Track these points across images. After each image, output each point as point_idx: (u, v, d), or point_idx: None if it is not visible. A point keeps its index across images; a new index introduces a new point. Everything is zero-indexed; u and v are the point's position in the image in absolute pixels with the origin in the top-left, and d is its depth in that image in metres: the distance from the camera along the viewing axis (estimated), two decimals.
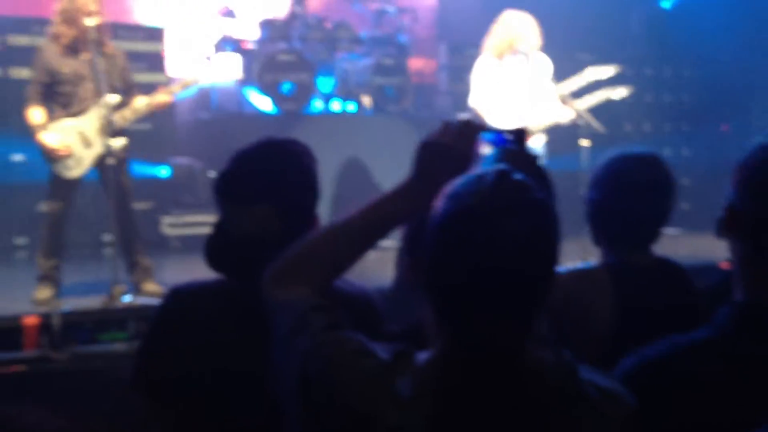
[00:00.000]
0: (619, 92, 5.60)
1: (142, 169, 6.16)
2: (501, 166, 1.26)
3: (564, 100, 5.40)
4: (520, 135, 1.50)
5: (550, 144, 5.64)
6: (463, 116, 5.90)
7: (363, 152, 7.02)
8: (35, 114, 4.59)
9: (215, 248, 1.85)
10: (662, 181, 2.16)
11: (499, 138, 1.52)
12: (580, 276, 2.10)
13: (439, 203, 1.24)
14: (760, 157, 1.46)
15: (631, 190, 2.11)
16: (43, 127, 4.56)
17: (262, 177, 1.82)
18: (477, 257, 1.17)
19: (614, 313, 2.01)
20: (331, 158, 6.74)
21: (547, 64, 5.46)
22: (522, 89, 5.40)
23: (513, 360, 1.22)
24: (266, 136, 1.92)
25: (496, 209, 1.18)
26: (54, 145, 4.54)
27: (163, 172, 6.74)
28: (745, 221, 1.43)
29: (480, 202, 1.19)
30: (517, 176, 1.23)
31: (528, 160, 1.46)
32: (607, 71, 5.63)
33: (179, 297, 1.86)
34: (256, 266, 1.76)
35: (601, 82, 5.67)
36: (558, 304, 2.00)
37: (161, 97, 4.78)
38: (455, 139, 1.45)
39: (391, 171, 6.93)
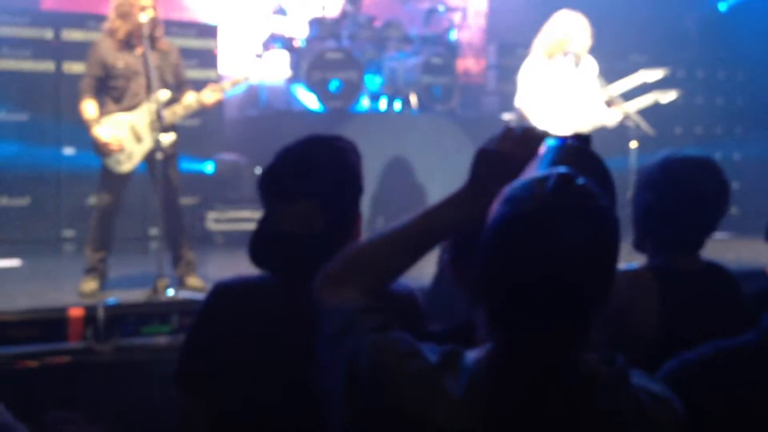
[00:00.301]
0: (669, 96, 5.54)
1: (188, 165, 6.23)
2: (563, 169, 1.22)
3: (613, 102, 5.34)
4: (586, 141, 1.44)
5: (597, 145, 5.51)
6: (508, 116, 5.87)
7: (408, 151, 7.01)
8: (89, 107, 4.66)
9: (259, 245, 1.85)
10: (718, 187, 2.12)
11: (563, 145, 1.45)
12: (626, 278, 2.06)
13: (496, 206, 1.22)
14: None
15: (687, 194, 2.07)
16: (97, 120, 4.64)
17: (306, 174, 1.81)
18: (534, 264, 1.15)
19: (660, 317, 1.98)
20: (376, 156, 6.74)
21: (594, 66, 5.41)
22: (570, 91, 5.35)
23: (566, 366, 1.20)
24: (311, 133, 1.92)
25: (557, 216, 1.15)
26: (107, 139, 4.61)
27: (209, 167, 6.81)
28: None
29: (540, 207, 1.16)
30: (581, 181, 1.20)
31: (593, 162, 1.40)
32: (657, 74, 5.58)
33: (223, 292, 1.86)
34: (299, 263, 1.77)
35: (651, 85, 5.60)
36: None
37: (212, 95, 4.82)
38: (516, 147, 1.38)
39: (436, 171, 6.93)
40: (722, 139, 8.30)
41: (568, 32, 5.25)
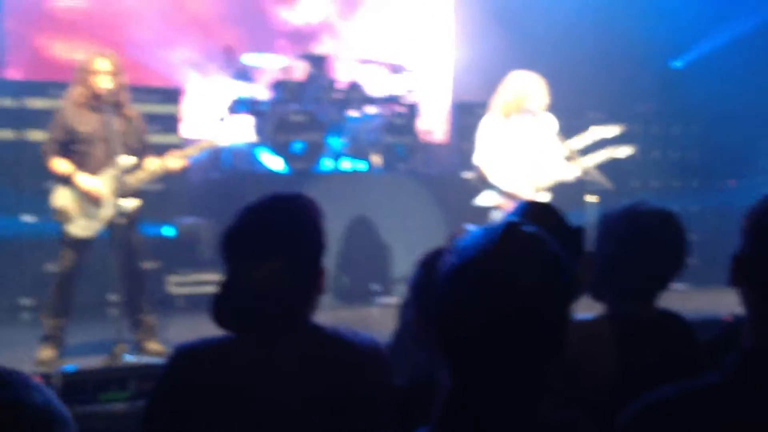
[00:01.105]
0: (624, 151, 5.70)
1: (150, 229, 6.21)
2: (512, 218, 1.27)
3: (571, 158, 5.45)
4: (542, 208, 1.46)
5: (557, 200, 5.66)
6: (468, 175, 5.95)
7: (372, 210, 7.05)
8: (60, 164, 4.66)
9: (223, 305, 1.84)
10: (677, 239, 2.18)
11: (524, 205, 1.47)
12: (582, 327, 2.09)
13: (448, 257, 1.24)
14: (763, 207, 1.48)
15: (647, 245, 2.12)
16: (74, 172, 4.62)
17: (270, 232, 1.82)
18: (484, 309, 1.17)
19: (618, 365, 2.00)
20: (341, 216, 6.78)
21: (553, 123, 5.52)
22: (528, 148, 5.45)
23: (523, 415, 1.20)
24: (273, 192, 1.93)
25: (505, 262, 1.18)
26: (89, 187, 4.59)
27: (169, 231, 6.79)
28: (753, 269, 1.44)
29: (488, 254, 1.19)
30: (529, 229, 1.23)
31: (550, 213, 1.44)
32: (613, 130, 5.73)
33: (185, 355, 1.83)
34: (265, 322, 1.77)
35: (607, 141, 5.74)
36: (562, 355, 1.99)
37: (177, 161, 4.85)
38: None
39: (400, 229, 6.97)
40: (679, 192, 8.46)
41: (525, 91, 5.36)
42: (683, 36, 8.81)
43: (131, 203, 4.62)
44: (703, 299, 5.79)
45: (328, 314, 6.14)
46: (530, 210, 1.37)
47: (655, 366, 1.97)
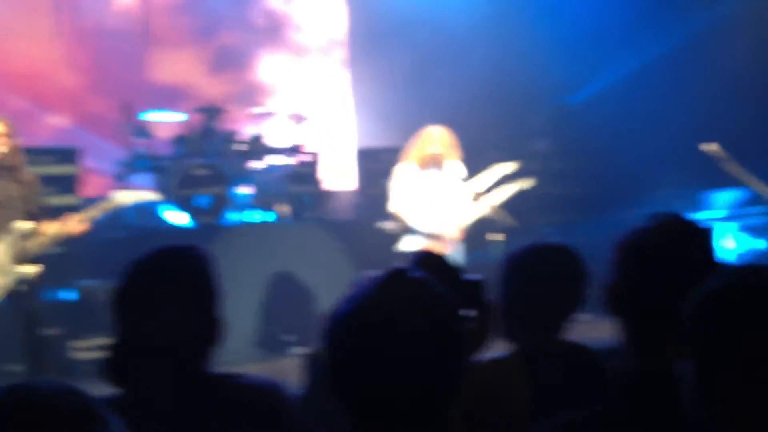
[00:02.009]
0: (525, 183, 6.02)
1: (52, 294, 6.00)
2: (400, 266, 1.27)
3: (478, 198, 5.76)
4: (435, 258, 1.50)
5: (466, 239, 5.92)
6: (383, 224, 6.05)
7: (284, 260, 7.00)
8: None
9: (114, 363, 1.79)
10: (577, 272, 2.24)
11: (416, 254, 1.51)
12: (493, 365, 2.13)
13: (336, 306, 1.25)
14: (631, 239, 1.56)
15: (544, 280, 2.18)
16: None
17: (160, 286, 1.80)
18: (369, 355, 1.17)
19: (528, 400, 2.04)
20: (253, 267, 6.71)
21: (461, 170, 5.82)
22: (441, 193, 5.73)
23: None
24: (161, 245, 1.90)
25: (390, 307, 1.18)
26: None
27: (71, 295, 6.58)
28: (622, 298, 1.51)
29: (373, 301, 1.19)
30: (415, 274, 1.24)
31: (442, 262, 1.47)
32: (511, 166, 6.06)
33: None
34: (158, 376, 1.74)
35: (508, 177, 6.00)
36: (473, 393, 2.02)
37: (77, 225, 4.72)
38: None
39: (313, 277, 6.93)
40: (581, 225, 8.72)
41: (437, 146, 5.70)
42: (578, 73, 9.16)
43: (31, 270, 4.46)
44: (607, 328, 5.94)
45: (244, 366, 6.03)
46: (423, 259, 1.41)
47: (564, 397, 2.01)
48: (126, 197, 5.25)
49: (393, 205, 5.74)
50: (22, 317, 4.46)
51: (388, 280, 1.22)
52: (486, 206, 5.75)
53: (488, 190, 5.87)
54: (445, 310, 1.23)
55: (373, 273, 1.27)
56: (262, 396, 1.82)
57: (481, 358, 2.09)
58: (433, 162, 5.71)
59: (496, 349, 2.19)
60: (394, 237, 5.77)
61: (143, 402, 1.75)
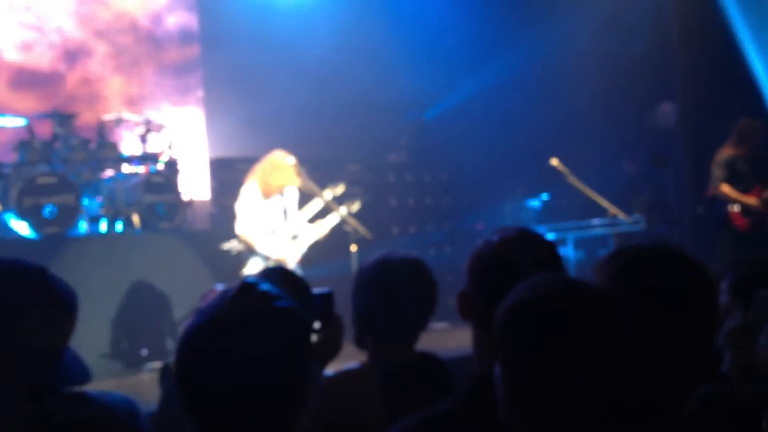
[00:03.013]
0: (354, 206, 6.34)
1: None
2: (250, 279, 1.30)
3: (311, 223, 6.13)
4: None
5: (323, 252, 6.20)
6: (228, 245, 6.12)
7: (138, 271, 6.81)
8: None
9: None
10: (425, 283, 2.31)
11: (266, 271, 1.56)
12: (346, 376, 2.18)
13: (189, 319, 1.27)
14: (480, 250, 1.67)
15: (397, 293, 2.23)
16: None
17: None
18: (219, 366, 1.19)
19: (381, 410, 2.10)
20: (105, 279, 6.50)
21: (295, 195, 6.15)
22: (281, 221, 6.02)
23: None
24: None
25: (237, 319, 1.21)
26: None
27: None
28: (472, 304, 1.61)
29: (221, 313, 1.22)
30: (263, 287, 1.28)
31: (292, 277, 1.52)
32: (340, 189, 6.36)
33: None
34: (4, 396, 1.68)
35: (339, 198, 6.33)
36: (327, 405, 2.06)
37: None
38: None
39: (168, 288, 6.78)
40: (434, 235, 8.99)
41: (283, 177, 5.94)
42: (433, 90, 9.43)
43: None
44: (463, 336, 6.14)
45: (100, 382, 5.82)
46: (273, 273, 1.46)
47: (415, 407, 2.08)
48: None
49: (239, 228, 5.90)
50: None
51: (237, 294, 1.25)
52: (319, 230, 6.09)
53: (320, 214, 6.23)
54: (293, 322, 1.27)
55: (224, 286, 1.30)
56: (113, 415, 1.80)
57: (332, 371, 2.14)
58: (276, 190, 5.97)
59: (349, 360, 2.25)
60: (241, 258, 5.97)
61: None
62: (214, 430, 1.22)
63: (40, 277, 1.81)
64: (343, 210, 6.24)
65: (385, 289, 2.24)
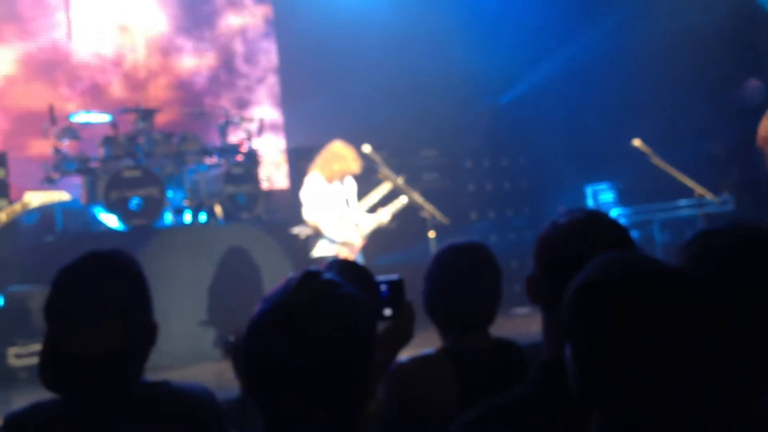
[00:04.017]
0: (402, 200, 6.46)
1: None
2: (311, 268, 1.31)
3: (370, 211, 6.43)
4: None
5: (402, 236, 6.27)
6: (297, 230, 6.29)
7: (220, 260, 6.97)
8: None
9: (49, 369, 1.79)
10: (484, 268, 2.29)
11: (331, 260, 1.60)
12: (421, 362, 2.18)
13: (256, 307, 1.28)
14: (547, 234, 1.63)
15: (455, 279, 2.23)
16: None
17: (94, 292, 1.79)
18: (284, 353, 1.20)
19: (456, 396, 2.09)
20: (189, 269, 6.67)
21: (354, 185, 6.45)
22: (344, 208, 6.32)
23: None
24: (89, 251, 1.89)
25: (301, 307, 1.22)
26: None
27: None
28: (541, 289, 1.58)
29: (286, 302, 1.23)
30: (326, 276, 1.28)
31: (357, 267, 1.54)
32: (400, 180, 6.54)
33: (15, 422, 1.77)
34: (93, 381, 1.74)
35: (397, 191, 6.50)
36: (400, 391, 2.07)
37: None
38: None
39: (250, 277, 6.92)
40: (514, 220, 8.89)
41: (344, 164, 6.26)
42: (508, 72, 9.31)
43: None
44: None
45: (186, 369, 5.99)
46: (336, 264, 1.47)
47: (490, 394, 2.07)
48: (34, 199, 5.15)
49: (306, 214, 6.22)
50: None
51: (300, 282, 1.26)
52: (379, 219, 6.35)
53: (379, 204, 6.50)
54: (355, 309, 1.27)
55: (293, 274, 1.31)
56: (191, 403, 1.84)
57: (406, 358, 2.14)
58: (338, 177, 6.30)
59: (421, 348, 2.25)
60: (309, 242, 6.26)
61: (77, 407, 1.76)
62: (277, 416, 1.24)
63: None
64: (400, 201, 6.44)
65: (444, 277, 2.24)
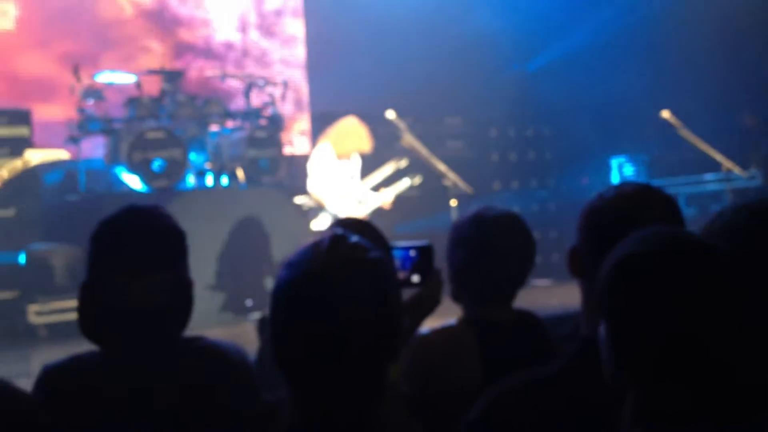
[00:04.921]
0: (416, 179, 6.54)
1: (0, 257, 5.91)
2: (337, 231, 1.29)
3: (376, 189, 6.46)
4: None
5: (423, 205, 6.32)
6: (300, 200, 6.35)
7: (242, 225, 6.98)
8: None
9: (95, 319, 1.78)
10: (523, 240, 2.24)
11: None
12: (443, 333, 2.14)
13: (280, 271, 1.26)
14: (595, 205, 1.58)
15: (494, 249, 2.17)
16: None
17: (150, 246, 1.79)
18: (315, 319, 1.19)
19: (479, 367, 2.06)
20: (210, 232, 6.68)
21: (358, 162, 6.41)
22: (349, 184, 6.31)
23: (360, 419, 1.22)
24: (128, 205, 1.88)
25: (332, 271, 1.20)
26: None
27: (20, 258, 6.49)
28: (584, 261, 1.53)
29: (316, 265, 1.21)
30: (353, 239, 1.26)
31: (367, 226, 1.51)
32: (403, 163, 6.61)
33: (53, 374, 1.77)
34: (145, 338, 1.75)
35: (401, 171, 6.57)
36: (423, 362, 2.04)
37: None
38: None
39: (271, 241, 6.93)
40: (537, 191, 8.81)
41: (357, 142, 6.23)
42: (534, 40, 9.18)
43: None
44: (567, 294, 6.03)
45: (207, 331, 6.01)
46: (349, 224, 1.44)
47: (514, 364, 2.03)
48: (34, 157, 5.16)
49: (311, 185, 6.20)
50: None
51: (330, 245, 1.23)
52: (383, 198, 6.34)
53: (383, 184, 6.51)
54: (385, 273, 1.25)
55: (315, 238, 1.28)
56: (228, 358, 1.85)
57: (427, 329, 2.11)
58: (348, 153, 6.24)
59: (447, 314, 2.21)
60: (310, 214, 6.29)
61: (114, 362, 1.76)
62: (304, 381, 1.23)
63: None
64: (406, 181, 6.47)
65: (479, 245, 2.18)
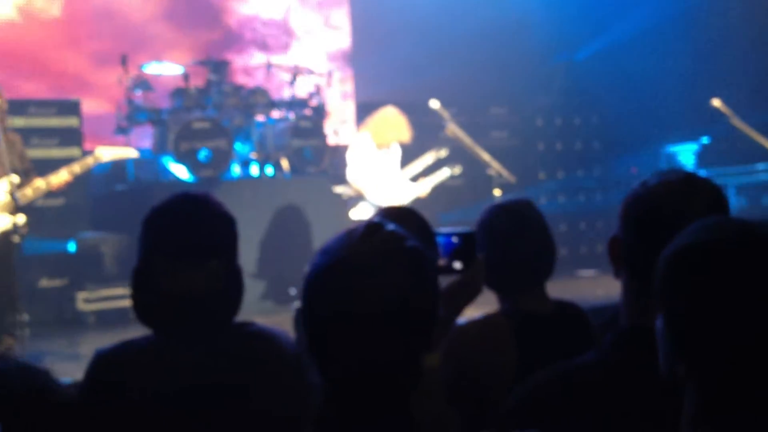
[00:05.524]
0: (456, 170, 6.55)
1: (50, 245, 6.02)
2: (375, 218, 1.27)
3: (417, 179, 6.47)
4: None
5: (467, 194, 6.18)
6: (339, 189, 6.36)
7: (286, 214, 7.03)
8: None
9: (150, 305, 1.81)
10: (530, 227, 2.21)
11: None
12: (479, 325, 2.12)
13: (315, 257, 1.25)
14: (637, 194, 1.54)
15: (500, 240, 2.16)
16: None
17: (205, 233, 1.82)
18: (345, 306, 1.17)
19: (517, 360, 2.04)
20: (255, 221, 6.73)
21: (398, 152, 6.39)
22: (388, 173, 6.29)
23: (394, 407, 1.21)
24: (181, 192, 1.91)
25: (366, 259, 1.19)
26: None
27: (70, 247, 6.61)
28: (625, 251, 1.50)
29: (351, 253, 1.20)
30: (389, 227, 1.24)
31: (412, 214, 1.49)
32: (443, 153, 6.62)
33: (106, 359, 1.79)
34: (194, 321, 1.77)
35: (441, 161, 6.56)
36: (460, 354, 2.02)
37: (58, 178, 4.77)
38: None
39: (314, 231, 6.96)
40: (584, 181, 8.70)
41: (397, 132, 6.23)
42: (582, 29, 9.05)
43: (20, 220, 4.52)
44: (612, 284, 5.96)
45: (252, 319, 6.06)
46: (392, 213, 1.42)
47: (553, 356, 2.01)
48: (105, 154, 5.27)
49: (350, 174, 6.22)
50: (11, 267, 4.49)
51: (365, 233, 1.22)
52: (421, 188, 6.32)
53: (423, 174, 6.49)
54: (421, 262, 1.23)
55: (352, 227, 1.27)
56: (277, 344, 1.87)
57: (464, 320, 2.10)
58: (388, 143, 6.23)
59: (488, 303, 2.19)
60: (349, 203, 6.29)
61: (167, 347, 1.79)
62: (345, 371, 1.21)
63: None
64: (444, 172, 6.45)
65: (492, 237, 2.17)
